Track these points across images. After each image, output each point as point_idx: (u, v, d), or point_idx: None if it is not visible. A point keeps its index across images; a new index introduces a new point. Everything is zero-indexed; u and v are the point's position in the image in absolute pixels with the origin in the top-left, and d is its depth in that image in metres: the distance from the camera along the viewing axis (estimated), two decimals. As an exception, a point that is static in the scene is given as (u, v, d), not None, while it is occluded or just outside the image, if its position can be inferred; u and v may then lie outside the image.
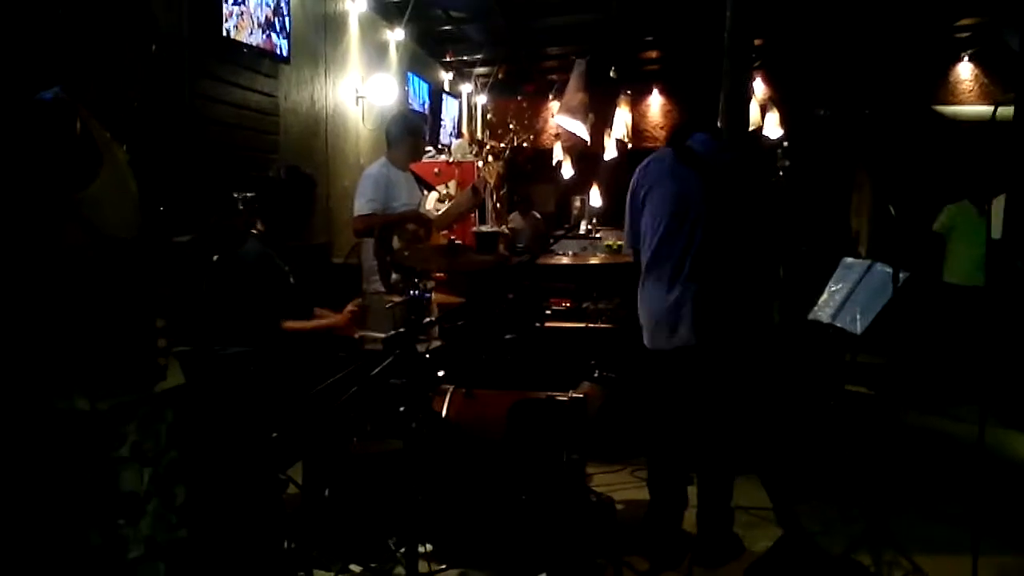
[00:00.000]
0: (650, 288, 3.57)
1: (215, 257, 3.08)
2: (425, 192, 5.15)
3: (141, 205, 2.18)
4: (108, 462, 2.05)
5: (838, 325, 4.05)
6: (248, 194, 2.37)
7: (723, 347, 3.45)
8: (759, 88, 10.37)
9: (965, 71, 10.65)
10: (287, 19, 5.08)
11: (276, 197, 3.44)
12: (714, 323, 3.42)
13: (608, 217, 9.52)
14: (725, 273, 3.43)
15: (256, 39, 4.75)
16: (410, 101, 8.23)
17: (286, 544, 3.12)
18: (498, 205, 8.89)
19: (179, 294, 2.36)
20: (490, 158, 6.08)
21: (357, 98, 6.88)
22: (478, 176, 6.85)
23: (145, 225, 2.17)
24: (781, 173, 5.05)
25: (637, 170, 3.68)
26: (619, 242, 7.08)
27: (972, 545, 3.02)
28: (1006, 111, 5.09)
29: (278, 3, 4.97)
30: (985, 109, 9.01)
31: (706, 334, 3.42)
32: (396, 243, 4.65)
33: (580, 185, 10.23)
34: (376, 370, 3.01)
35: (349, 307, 3.75)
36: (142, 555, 2.10)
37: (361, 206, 4.74)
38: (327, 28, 6.30)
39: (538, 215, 9.61)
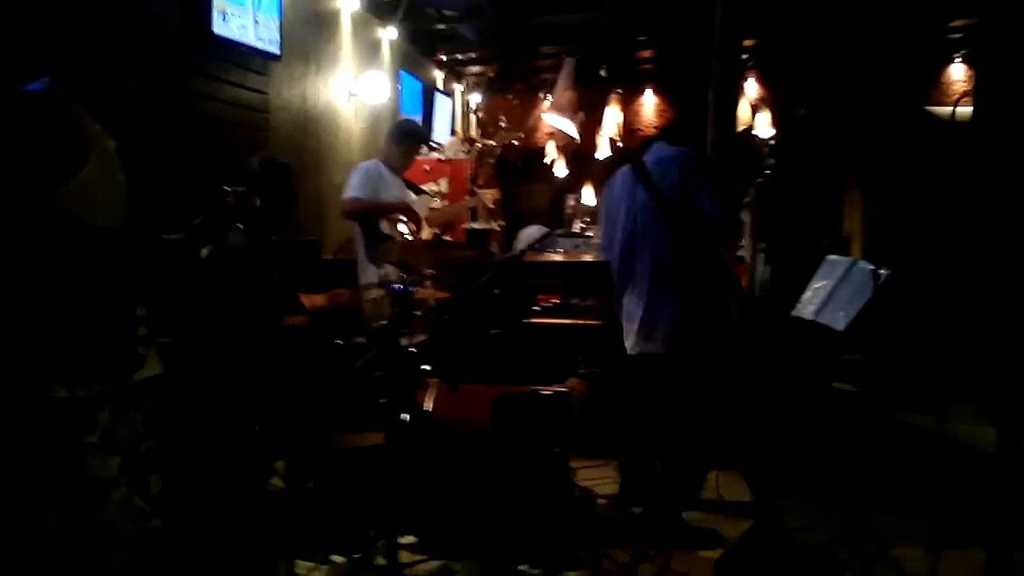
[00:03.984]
0: (621, 299, 3.86)
1: (203, 252, 3.13)
2: (415, 197, 5.21)
3: (128, 195, 2.21)
4: (77, 448, 2.06)
5: (821, 322, 4.08)
6: (239, 188, 2.40)
7: (688, 355, 3.68)
8: (752, 88, 10.42)
9: (958, 72, 10.69)
10: (279, 16, 5.11)
11: (252, 189, 3.44)
12: (675, 335, 3.67)
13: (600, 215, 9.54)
14: (681, 287, 3.68)
15: (247, 36, 4.77)
16: (402, 99, 8.25)
17: (268, 534, 3.15)
18: (491, 206, 8.93)
19: (165, 287, 2.40)
20: (485, 191, 6.13)
21: (349, 96, 6.90)
22: (475, 197, 6.89)
23: (131, 215, 2.20)
24: (767, 172, 5.10)
25: (607, 184, 3.95)
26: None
27: (934, 539, 3.06)
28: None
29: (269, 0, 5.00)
30: (966, 110, 9.05)
31: (671, 345, 3.68)
32: (384, 228, 4.71)
33: (573, 184, 10.26)
34: (360, 362, 3.04)
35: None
36: (103, 542, 2.11)
37: (351, 189, 4.84)
38: (319, 25, 6.32)
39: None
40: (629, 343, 3.82)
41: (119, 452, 2.14)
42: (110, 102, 2.23)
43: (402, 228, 4.73)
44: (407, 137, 5.06)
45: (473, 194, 5.66)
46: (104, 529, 2.11)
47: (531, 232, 7.62)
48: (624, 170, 3.85)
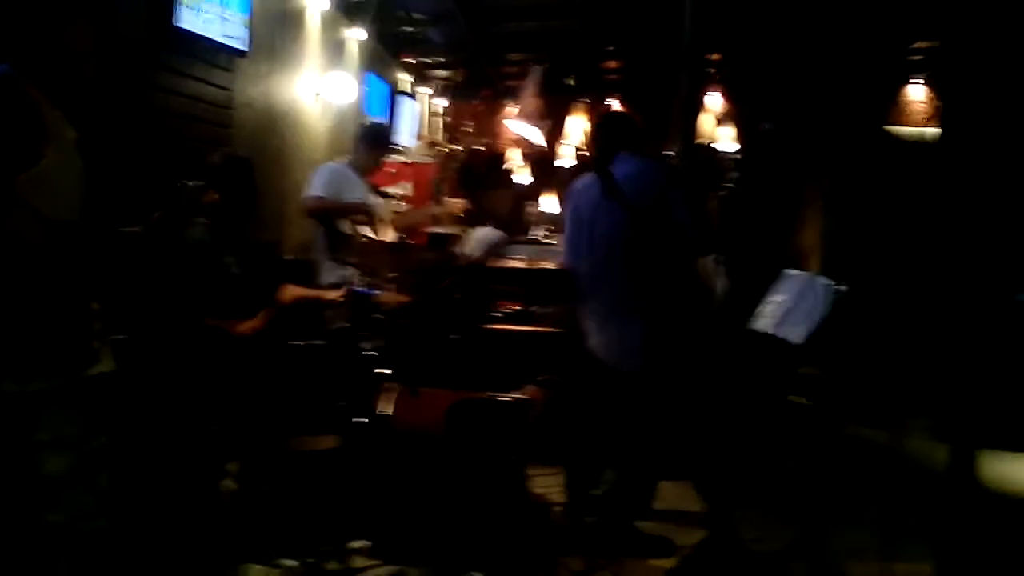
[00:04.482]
0: (587, 308, 3.83)
1: (161, 247, 3.09)
2: (380, 200, 5.19)
3: (87, 187, 2.17)
4: (26, 446, 2.02)
5: (779, 335, 4.12)
6: (199, 183, 2.37)
7: (658, 372, 3.70)
8: (716, 102, 10.51)
9: (917, 92, 10.87)
10: (247, 12, 5.06)
11: (212, 184, 3.40)
12: (645, 349, 3.69)
13: (563, 224, 9.56)
14: (652, 300, 3.69)
15: (213, 31, 4.72)
16: (368, 100, 8.21)
17: (220, 537, 3.11)
18: (460, 215, 8.90)
19: (121, 281, 2.36)
20: (455, 200, 6.09)
21: (314, 95, 6.86)
22: (442, 206, 6.84)
23: (89, 208, 2.16)
24: (730, 186, 5.14)
25: (569, 192, 3.95)
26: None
27: (885, 552, 3.11)
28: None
29: (236, -4, 4.95)
30: (936, 131, 9.24)
31: (641, 359, 3.69)
32: (346, 228, 4.69)
33: (536, 191, 10.27)
34: (318, 365, 3.02)
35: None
36: (56, 540, 2.06)
37: (315, 189, 4.82)
38: (287, 23, 6.28)
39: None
40: (598, 352, 3.80)
41: (70, 450, 2.09)
42: (70, 90, 2.19)
43: (364, 229, 4.71)
44: (378, 141, 5.05)
45: (440, 202, 5.66)
46: (55, 529, 2.06)
47: (482, 234, 7.62)
48: (587, 179, 3.85)
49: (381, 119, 7.98)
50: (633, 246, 3.64)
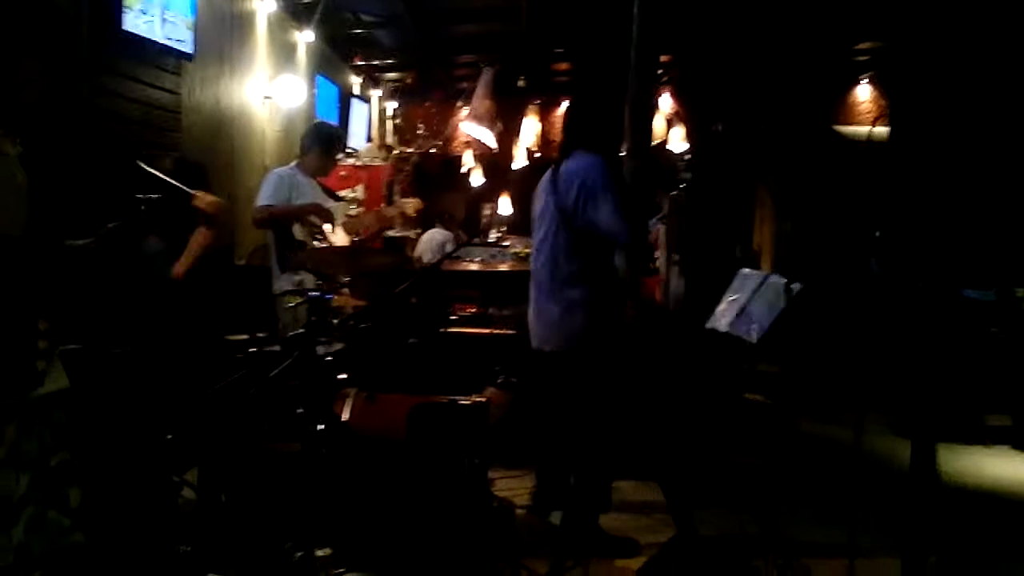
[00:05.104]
0: (530, 294, 3.99)
1: (112, 259, 3.02)
2: (333, 203, 5.12)
3: (31, 201, 2.10)
4: None
5: (734, 334, 4.15)
6: (152, 196, 2.32)
7: (578, 355, 3.78)
8: (666, 103, 10.60)
9: (864, 93, 11.06)
10: (192, 15, 4.98)
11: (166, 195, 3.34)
12: (568, 333, 3.79)
13: (517, 225, 9.57)
14: (570, 289, 3.79)
15: (159, 34, 4.63)
16: (318, 103, 8.14)
17: (180, 548, 3.05)
18: (413, 215, 8.86)
19: (70, 295, 2.29)
20: (407, 200, 6.06)
21: (264, 99, 6.77)
22: (394, 207, 6.80)
23: (33, 222, 2.09)
24: (682, 186, 5.17)
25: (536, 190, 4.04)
26: (527, 250, 7.16)
27: (849, 546, 3.14)
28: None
29: (183, -2, 4.87)
30: (882, 130, 9.40)
31: (565, 342, 3.80)
32: (298, 232, 4.63)
33: (489, 193, 10.27)
34: (275, 371, 2.97)
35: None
36: (12, 564, 2.00)
37: (262, 198, 4.74)
38: (234, 26, 6.19)
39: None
40: (532, 339, 3.96)
41: (28, 468, 2.02)
42: (12, 101, 2.11)
43: (319, 233, 4.65)
44: (327, 141, 4.98)
45: (392, 203, 5.63)
46: (15, 551, 1.99)
47: (431, 237, 7.61)
48: (547, 175, 3.92)
49: (329, 120, 7.92)
50: (558, 235, 3.79)
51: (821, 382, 5.63)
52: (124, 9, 4.26)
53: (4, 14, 2.03)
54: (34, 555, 2.03)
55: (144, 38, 4.48)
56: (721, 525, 4.04)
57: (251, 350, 3.46)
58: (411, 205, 5.76)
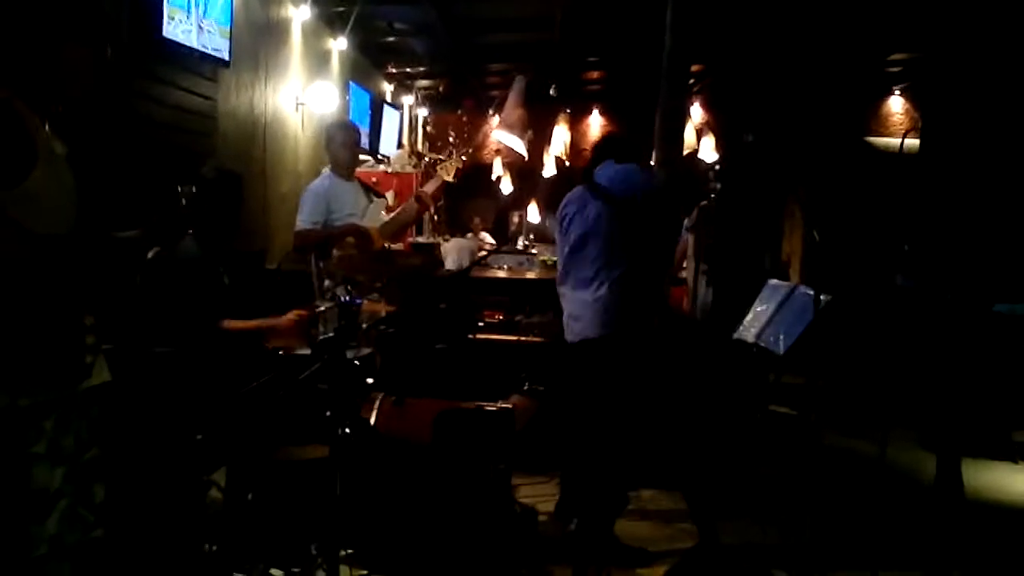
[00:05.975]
0: (568, 289, 3.94)
1: (151, 253, 3.09)
2: (374, 199, 5.13)
3: (78, 200, 2.16)
4: (21, 459, 2.01)
5: (762, 345, 4.16)
6: (191, 188, 2.37)
7: (623, 339, 3.78)
8: (697, 113, 10.60)
9: (896, 104, 10.99)
10: (229, 23, 5.06)
11: (206, 197, 3.41)
12: (616, 319, 3.78)
13: (545, 233, 9.61)
14: (626, 280, 3.78)
15: (197, 41, 4.72)
16: (350, 110, 8.22)
17: (207, 547, 3.10)
18: (436, 217, 8.92)
19: (114, 291, 2.35)
20: (453, 155, 6.14)
21: (297, 105, 6.86)
22: (435, 174, 6.81)
23: (81, 220, 2.16)
24: (712, 196, 5.18)
25: (560, 205, 4.03)
26: (554, 258, 7.18)
27: (871, 559, 3.13)
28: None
29: (220, 6, 4.95)
30: (913, 142, 9.34)
31: (610, 328, 3.78)
32: (336, 254, 4.64)
33: (519, 201, 10.31)
34: (304, 374, 3.02)
35: (294, 313, 3.70)
36: (46, 554, 2.05)
37: (301, 222, 4.72)
38: (269, 34, 6.28)
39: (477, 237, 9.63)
40: (572, 333, 3.89)
41: (64, 462, 2.08)
42: (62, 107, 2.19)
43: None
44: (338, 128, 4.97)
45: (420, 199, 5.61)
46: (49, 541, 2.05)
47: (457, 245, 7.63)
48: (577, 191, 3.92)
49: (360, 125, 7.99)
50: (610, 233, 3.78)
51: (848, 395, 5.61)
52: (164, 17, 4.35)
53: (53, 5, 2.10)
54: (66, 547, 2.09)
55: (182, 45, 4.57)
56: (744, 535, 4.04)
57: (281, 353, 3.50)
58: (451, 166, 5.79)
